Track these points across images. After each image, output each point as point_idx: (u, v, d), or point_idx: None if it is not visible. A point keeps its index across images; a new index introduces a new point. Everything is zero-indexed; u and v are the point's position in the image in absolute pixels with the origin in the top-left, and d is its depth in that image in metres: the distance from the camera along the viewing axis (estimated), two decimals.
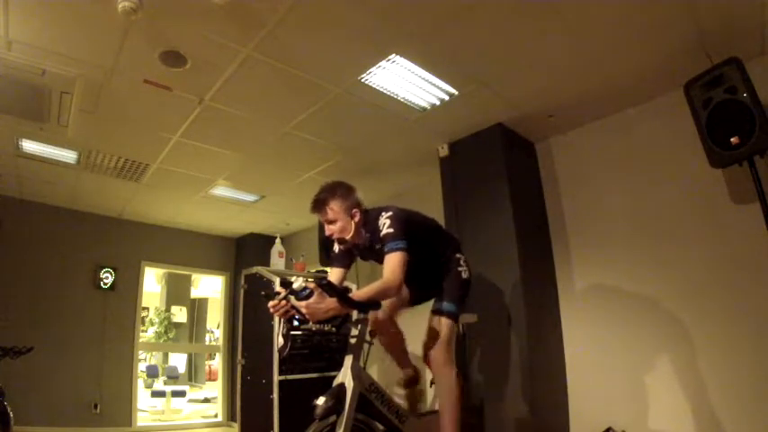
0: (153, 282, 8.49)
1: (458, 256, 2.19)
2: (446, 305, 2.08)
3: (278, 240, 3.98)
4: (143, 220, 5.28)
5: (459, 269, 2.15)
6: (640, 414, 2.59)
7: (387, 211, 1.95)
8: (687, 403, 2.44)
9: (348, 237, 1.98)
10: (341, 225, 1.97)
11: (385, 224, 1.90)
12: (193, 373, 9.00)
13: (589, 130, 3.18)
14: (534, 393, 2.65)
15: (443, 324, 2.04)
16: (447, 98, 2.85)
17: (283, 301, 1.72)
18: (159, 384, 7.35)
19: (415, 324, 2.33)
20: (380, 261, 1.91)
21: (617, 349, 2.78)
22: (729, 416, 2.29)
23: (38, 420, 3.99)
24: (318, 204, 1.98)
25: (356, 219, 1.99)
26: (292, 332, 3.06)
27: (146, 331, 8.07)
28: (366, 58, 2.46)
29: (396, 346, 2.35)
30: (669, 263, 2.65)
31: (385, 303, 2.03)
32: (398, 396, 2.23)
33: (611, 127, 3.06)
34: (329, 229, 2.00)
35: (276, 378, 2.93)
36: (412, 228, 1.95)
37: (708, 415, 2.35)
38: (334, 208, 1.96)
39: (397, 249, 1.82)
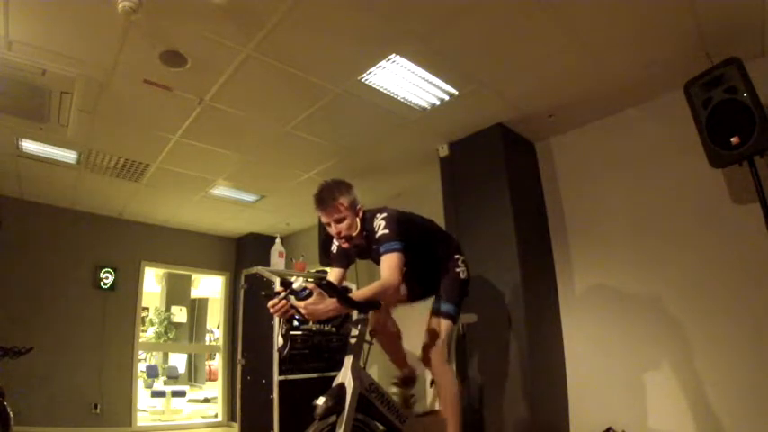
0: (153, 282, 8.48)
1: (456, 256, 2.19)
2: (444, 306, 2.08)
3: (278, 240, 3.97)
4: (143, 220, 5.28)
5: (458, 269, 2.15)
6: (640, 414, 2.59)
7: (381, 213, 1.95)
8: (687, 403, 2.44)
9: (355, 234, 1.97)
10: (348, 222, 1.94)
11: (380, 225, 1.90)
12: (193, 373, 9.00)
13: (589, 130, 3.18)
14: (534, 393, 2.65)
15: (442, 325, 2.05)
16: (447, 98, 2.85)
17: (283, 301, 1.72)
18: (159, 384, 7.35)
19: (414, 323, 2.33)
20: (377, 262, 1.91)
21: (617, 349, 2.78)
22: (729, 415, 2.29)
23: (38, 420, 3.99)
24: (327, 202, 1.92)
25: (360, 215, 1.99)
26: (292, 332, 3.05)
27: (146, 331, 8.06)
28: (366, 58, 2.46)
29: (393, 344, 2.35)
30: (669, 263, 2.65)
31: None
32: (393, 395, 2.23)
33: (611, 127, 3.06)
34: (337, 228, 1.94)
35: (276, 378, 2.93)
36: (408, 229, 1.95)
37: (708, 415, 2.35)
38: (344, 203, 1.93)
39: (393, 250, 1.83)
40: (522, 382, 2.68)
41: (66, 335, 4.45)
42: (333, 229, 1.97)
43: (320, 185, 1.99)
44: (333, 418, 1.61)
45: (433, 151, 3.52)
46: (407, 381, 2.36)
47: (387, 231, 1.87)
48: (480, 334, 2.87)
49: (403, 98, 2.83)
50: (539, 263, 3.08)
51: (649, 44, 2.39)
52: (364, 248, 2.05)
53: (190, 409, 6.53)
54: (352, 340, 1.76)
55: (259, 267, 3.36)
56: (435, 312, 2.10)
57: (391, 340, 2.33)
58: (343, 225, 1.94)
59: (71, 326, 4.51)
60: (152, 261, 5.42)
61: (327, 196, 1.93)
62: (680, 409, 2.45)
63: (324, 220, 1.99)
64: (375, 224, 1.92)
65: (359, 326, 1.77)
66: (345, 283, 2.31)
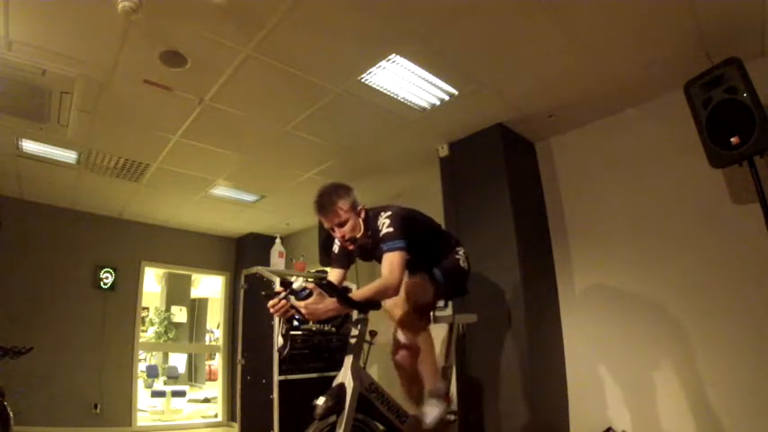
0: (153, 282, 8.48)
1: (458, 248, 2.20)
2: (436, 271, 2.08)
3: (278, 240, 3.98)
4: (143, 220, 5.28)
5: (457, 257, 2.16)
6: (640, 414, 2.59)
7: (386, 211, 1.94)
8: (687, 403, 2.44)
9: (359, 235, 1.96)
10: (352, 224, 1.94)
11: (384, 224, 1.89)
12: (193, 373, 8.99)
13: (589, 130, 3.18)
14: (534, 393, 2.65)
15: (425, 280, 2.01)
16: (447, 98, 2.85)
17: (283, 301, 1.72)
18: (159, 384, 7.34)
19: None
20: (380, 261, 1.90)
21: (617, 349, 2.78)
22: (729, 415, 2.29)
23: (38, 420, 3.99)
24: (327, 207, 1.91)
25: (362, 216, 1.98)
26: (292, 332, 3.06)
27: (146, 331, 8.06)
28: (366, 58, 2.46)
29: (412, 371, 2.16)
30: (669, 263, 2.65)
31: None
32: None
33: (611, 127, 3.06)
34: (341, 232, 1.94)
35: (276, 378, 2.93)
36: (412, 227, 1.94)
37: (708, 415, 2.35)
38: (344, 207, 1.92)
39: (396, 249, 1.81)
40: (522, 382, 2.68)
41: (67, 335, 4.45)
42: (336, 234, 1.97)
43: (318, 191, 1.97)
44: (333, 418, 1.61)
45: (433, 151, 3.51)
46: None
47: (391, 230, 1.86)
48: (480, 334, 2.88)
49: (403, 98, 2.83)
50: (539, 263, 3.08)
51: (649, 44, 2.39)
52: (369, 248, 2.04)
53: (190, 409, 6.52)
54: (352, 340, 1.76)
55: (259, 267, 3.36)
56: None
57: (409, 366, 2.16)
58: (347, 228, 1.94)
59: (71, 326, 4.51)
60: (152, 261, 5.42)
61: (327, 202, 1.92)
62: (680, 409, 2.45)
63: (326, 225, 1.99)
64: (379, 222, 1.91)
65: (359, 326, 1.77)
66: (346, 284, 2.31)
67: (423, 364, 2.09)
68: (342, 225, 1.93)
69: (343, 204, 1.92)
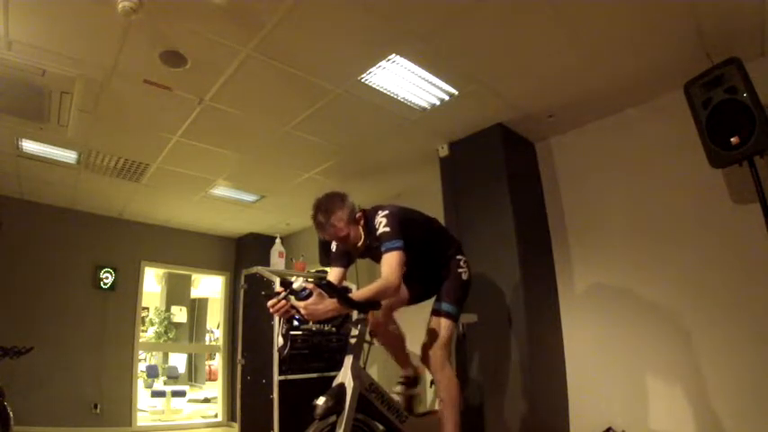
0: (153, 282, 8.48)
1: (458, 257, 2.19)
2: (445, 306, 2.08)
3: (278, 240, 3.97)
4: (143, 220, 5.28)
5: (460, 270, 2.15)
6: (640, 414, 2.59)
7: (383, 210, 1.95)
8: (687, 403, 2.44)
9: (360, 243, 1.98)
10: (353, 235, 1.96)
11: (381, 223, 1.89)
12: (193, 373, 9.00)
13: (589, 130, 3.18)
14: (534, 393, 2.65)
15: (443, 325, 2.04)
16: (447, 98, 2.85)
17: (283, 301, 1.72)
18: (159, 384, 7.35)
19: (416, 323, 2.33)
20: (378, 260, 1.91)
21: (617, 349, 2.78)
22: (730, 416, 2.29)
23: (38, 420, 3.99)
24: (324, 226, 1.92)
25: (361, 222, 1.99)
26: (292, 332, 3.06)
27: (146, 331, 8.06)
28: (366, 58, 2.46)
29: (395, 345, 2.35)
30: (669, 263, 2.65)
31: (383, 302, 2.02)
32: (395, 395, 2.22)
33: (611, 127, 3.06)
34: (345, 245, 2.00)
35: (276, 378, 2.93)
36: (410, 227, 1.95)
37: (708, 415, 2.35)
38: (340, 224, 1.91)
39: (393, 249, 1.82)
40: (522, 382, 2.68)
41: (66, 335, 4.45)
42: (342, 247, 2.02)
43: (314, 206, 1.95)
44: (333, 418, 1.61)
45: (433, 151, 3.52)
46: (409, 382, 2.35)
47: (387, 229, 1.86)
48: (480, 334, 2.87)
49: (403, 98, 2.83)
50: (539, 263, 3.08)
51: (649, 44, 2.39)
52: (368, 248, 2.05)
53: (190, 409, 6.53)
54: (352, 340, 1.76)
55: (259, 267, 3.35)
56: (436, 312, 2.09)
57: (392, 342, 2.33)
58: (350, 239, 1.96)
59: (71, 326, 4.51)
60: (152, 261, 5.43)
61: (324, 220, 1.91)
62: (680, 408, 2.45)
63: (328, 239, 2.02)
64: (376, 222, 1.92)
65: (359, 326, 1.77)
66: (345, 283, 2.31)
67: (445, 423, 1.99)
68: (344, 239, 1.95)
69: (339, 220, 1.91)
